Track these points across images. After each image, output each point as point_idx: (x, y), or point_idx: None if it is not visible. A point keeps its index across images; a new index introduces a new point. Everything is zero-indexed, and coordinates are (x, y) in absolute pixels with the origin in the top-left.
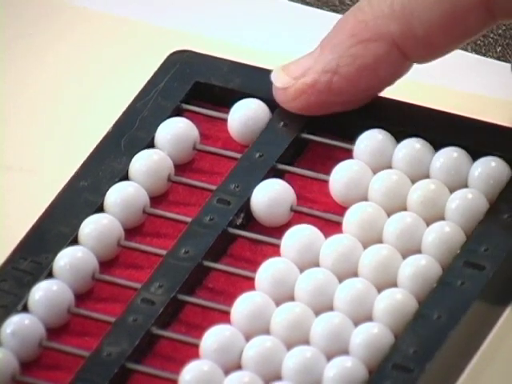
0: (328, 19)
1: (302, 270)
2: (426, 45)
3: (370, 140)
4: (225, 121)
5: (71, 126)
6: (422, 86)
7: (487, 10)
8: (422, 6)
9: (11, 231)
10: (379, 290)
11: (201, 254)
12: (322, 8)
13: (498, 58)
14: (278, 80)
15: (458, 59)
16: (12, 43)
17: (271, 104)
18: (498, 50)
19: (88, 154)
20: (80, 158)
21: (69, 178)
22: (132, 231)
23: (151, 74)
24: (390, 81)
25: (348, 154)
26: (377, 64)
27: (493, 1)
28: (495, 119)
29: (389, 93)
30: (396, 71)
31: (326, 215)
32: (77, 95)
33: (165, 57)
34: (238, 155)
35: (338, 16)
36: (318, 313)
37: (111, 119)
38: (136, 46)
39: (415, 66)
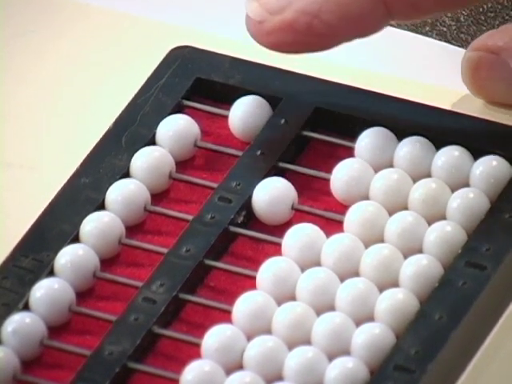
0: None
1: (303, 269)
2: (414, 6)
3: (372, 138)
4: (226, 117)
5: (72, 122)
6: (422, 85)
7: None
8: None
9: (12, 229)
10: (381, 289)
11: (202, 253)
12: None
13: None
14: (253, 12)
15: (458, 59)
16: (13, 40)
17: (272, 101)
18: None
19: (89, 151)
20: (81, 155)
21: (70, 175)
22: (133, 229)
23: (152, 70)
24: (368, 34)
25: (349, 152)
26: (361, 17)
27: None
28: (496, 118)
29: (389, 91)
30: (377, 25)
31: (328, 214)
32: (78, 92)
33: (166, 53)
34: (239, 152)
35: None
36: (319, 312)
37: (112, 116)
38: (137, 41)
39: (416, 66)
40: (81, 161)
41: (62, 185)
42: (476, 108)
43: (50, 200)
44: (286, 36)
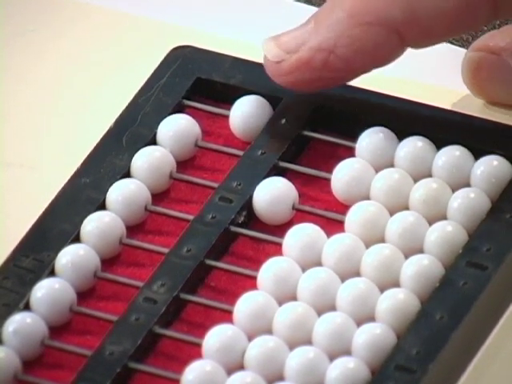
0: None
1: (304, 269)
2: (428, 33)
3: (373, 138)
4: (226, 117)
5: (72, 122)
6: (422, 85)
7: (494, 5)
8: None
9: (12, 229)
10: (382, 289)
11: (203, 253)
12: None
13: None
14: (271, 52)
15: (459, 59)
16: (13, 39)
17: (273, 100)
18: None
19: (89, 150)
20: (81, 155)
21: (70, 175)
22: (134, 229)
23: (153, 69)
24: (385, 63)
25: (350, 152)
26: (375, 48)
27: None
28: (497, 118)
29: (390, 91)
30: (392, 55)
31: (328, 214)
32: (78, 91)
33: (166, 52)
34: (240, 152)
35: None
36: (320, 312)
37: (113, 115)
38: (137, 41)
39: (417, 66)
40: (81, 161)
41: (62, 185)
42: (477, 108)
43: (50, 200)
44: (304, 74)
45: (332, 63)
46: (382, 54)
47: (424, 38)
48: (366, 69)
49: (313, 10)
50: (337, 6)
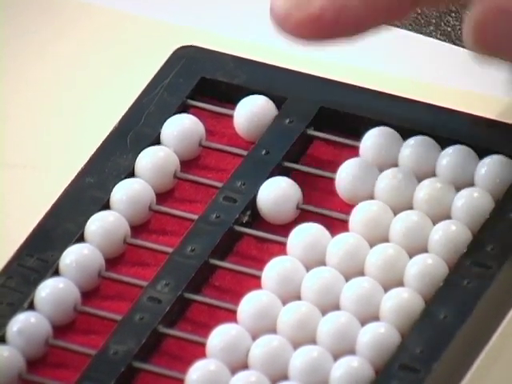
0: None
1: (308, 269)
2: None
3: (377, 138)
4: (230, 117)
5: (76, 122)
6: (426, 85)
7: None
8: None
9: (17, 228)
10: (386, 289)
11: (207, 252)
12: None
13: None
14: (280, 6)
15: (461, 57)
16: (15, 39)
17: (277, 100)
18: None
19: (93, 150)
20: (85, 155)
21: (74, 175)
22: (138, 228)
23: (156, 69)
24: (395, 21)
25: (354, 152)
26: (388, 6)
27: None
28: (501, 118)
29: (394, 91)
30: (403, 13)
31: (332, 213)
32: (81, 92)
33: (170, 53)
34: (244, 152)
35: None
36: (324, 312)
37: (117, 115)
38: (141, 41)
39: (421, 65)
40: (85, 161)
41: (66, 185)
42: (481, 107)
43: (54, 200)
44: (313, 29)
45: (343, 20)
46: (394, 12)
47: None
48: (376, 25)
49: None
50: None
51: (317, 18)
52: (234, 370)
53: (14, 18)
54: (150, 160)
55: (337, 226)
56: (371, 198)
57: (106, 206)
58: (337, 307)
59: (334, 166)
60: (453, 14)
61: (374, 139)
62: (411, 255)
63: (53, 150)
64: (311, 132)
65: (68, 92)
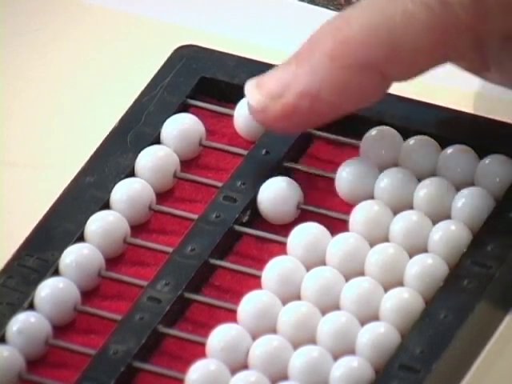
0: None
1: (308, 269)
2: (411, 68)
3: (377, 137)
4: (231, 116)
5: (76, 122)
6: (426, 84)
7: (476, 33)
8: (410, 34)
9: (16, 228)
10: (386, 289)
11: (207, 252)
12: (327, 7)
13: None
14: (255, 100)
15: None
16: (17, 39)
17: None
18: None
19: (94, 150)
20: (85, 155)
21: (74, 174)
22: (138, 228)
23: (156, 69)
24: (371, 102)
25: (354, 151)
26: (360, 90)
27: (482, 25)
28: (501, 117)
29: (394, 91)
30: (377, 93)
31: (333, 213)
32: (82, 91)
33: (170, 52)
34: (244, 151)
35: None
36: (324, 312)
37: (117, 115)
38: (141, 41)
39: None
40: (85, 160)
41: (66, 184)
42: (481, 107)
43: (54, 199)
44: (290, 120)
45: (317, 107)
46: (367, 94)
47: (407, 72)
48: (352, 109)
49: (316, 10)
50: (317, 48)
51: (291, 109)
52: (234, 370)
53: (15, 17)
54: (150, 159)
55: (337, 225)
56: (371, 197)
57: (106, 205)
58: (337, 307)
59: (333, 166)
60: None
61: (374, 139)
62: (411, 255)
63: (53, 150)
64: (311, 131)
65: (68, 91)
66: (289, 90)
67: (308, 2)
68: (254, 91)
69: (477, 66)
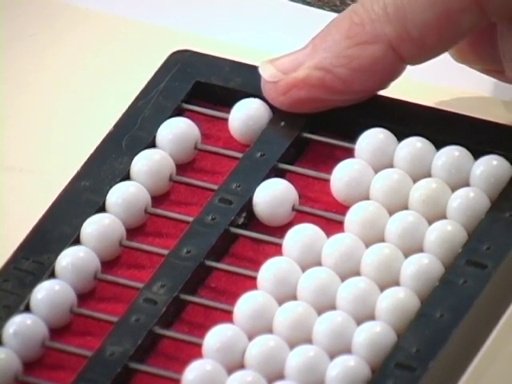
0: (329, 19)
1: (304, 270)
2: (421, 46)
3: (372, 139)
4: (226, 120)
5: (72, 126)
6: (421, 85)
7: (481, 9)
8: (416, 9)
9: (12, 231)
10: (381, 288)
11: (203, 254)
12: (322, 8)
13: None
14: (267, 73)
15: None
16: (13, 44)
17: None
18: None
19: (89, 154)
20: (81, 158)
21: (70, 178)
22: (134, 231)
23: (152, 73)
24: (385, 82)
25: (349, 153)
26: (373, 66)
27: (486, 1)
28: (496, 118)
29: (389, 92)
30: (391, 73)
31: (328, 214)
32: (78, 95)
33: (166, 57)
34: (240, 155)
35: None
36: (320, 312)
37: (112, 119)
38: (137, 46)
39: (415, 66)
40: (81, 164)
41: (62, 188)
42: (476, 108)
43: (50, 203)
44: (301, 92)
45: (329, 83)
46: (380, 72)
47: (418, 51)
48: (365, 89)
49: (312, 11)
50: (333, 31)
51: (302, 81)
52: (230, 370)
53: (11, 21)
54: (145, 163)
55: (332, 226)
56: (367, 198)
57: (102, 208)
58: (333, 307)
59: (329, 168)
60: None
61: (369, 140)
62: (407, 255)
63: (49, 154)
64: (306, 134)
65: (64, 95)
66: (302, 65)
67: (301, 3)
68: (268, 65)
69: (489, 62)
